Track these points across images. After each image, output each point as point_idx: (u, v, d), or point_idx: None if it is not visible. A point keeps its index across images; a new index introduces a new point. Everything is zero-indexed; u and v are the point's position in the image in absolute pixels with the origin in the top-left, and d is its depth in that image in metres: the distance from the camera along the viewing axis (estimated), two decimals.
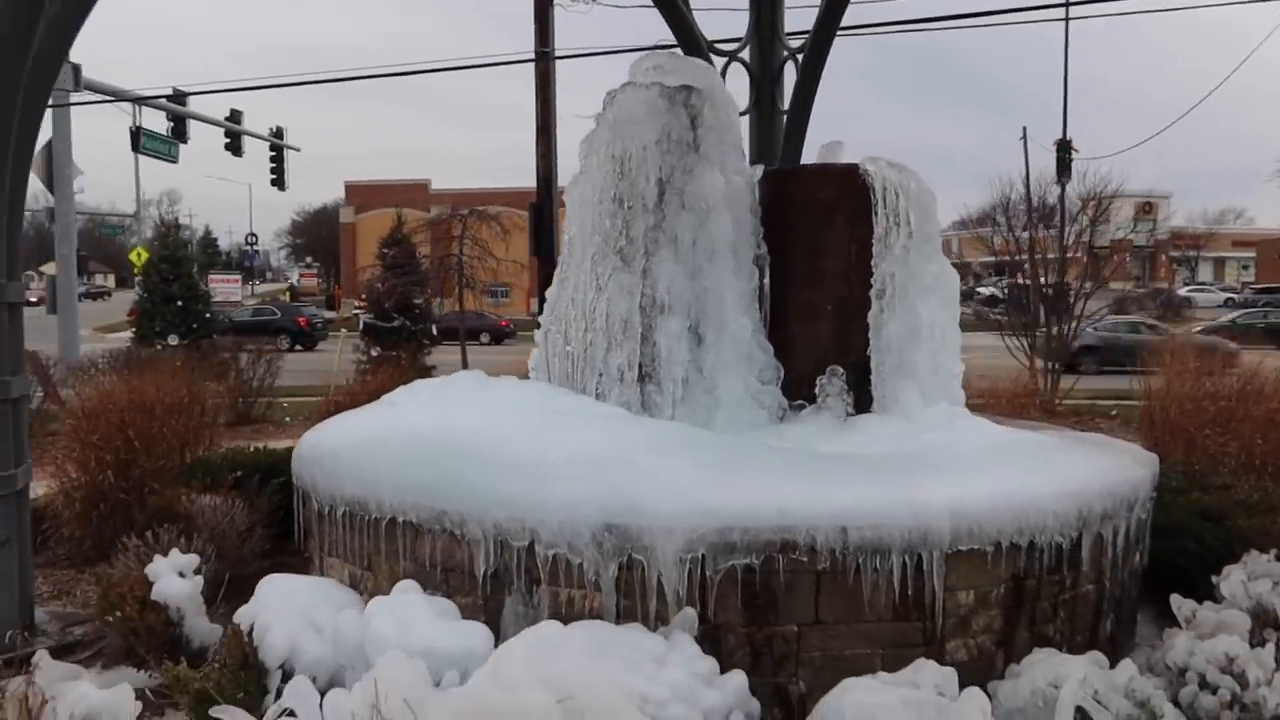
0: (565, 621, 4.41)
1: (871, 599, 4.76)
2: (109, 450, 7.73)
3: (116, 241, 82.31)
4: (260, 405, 15.73)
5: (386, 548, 5.41)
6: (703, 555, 4.67)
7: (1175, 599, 5.39)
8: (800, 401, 6.53)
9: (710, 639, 4.63)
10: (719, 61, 11.02)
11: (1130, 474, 5.74)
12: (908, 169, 6.64)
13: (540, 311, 7.04)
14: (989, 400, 12.55)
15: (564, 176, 6.97)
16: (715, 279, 6.45)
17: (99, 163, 50.61)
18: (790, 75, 11.03)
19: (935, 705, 3.98)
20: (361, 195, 64.88)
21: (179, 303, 26.28)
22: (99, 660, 5.76)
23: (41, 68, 5.83)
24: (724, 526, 4.67)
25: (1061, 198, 26.21)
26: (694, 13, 11.22)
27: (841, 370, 6.46)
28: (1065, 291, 18.82)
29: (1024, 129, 28.86)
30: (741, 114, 9.96)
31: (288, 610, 4.89)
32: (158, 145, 27.01)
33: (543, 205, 16.83)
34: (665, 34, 11.38)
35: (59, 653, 5.56)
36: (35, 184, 22.34)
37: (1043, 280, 19.08)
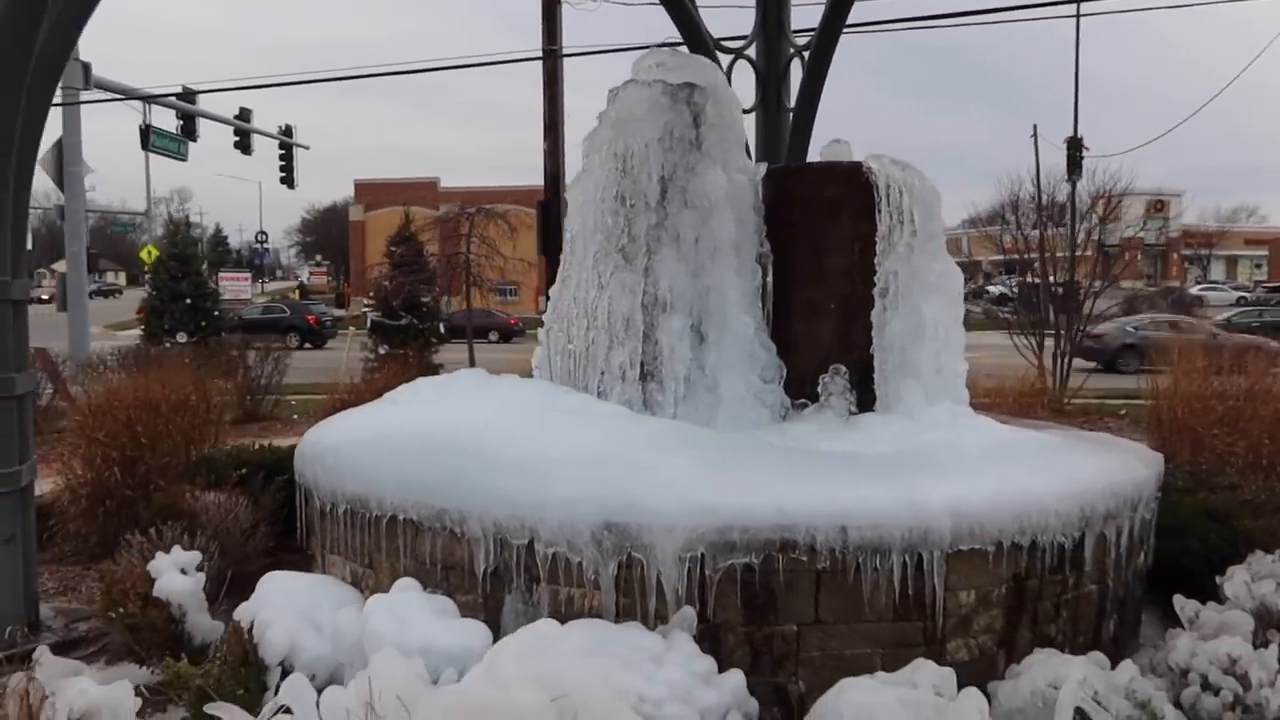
0: (565, 620, 4.40)
1: (872, 598, 4.75)
2: (115, 447, 7.77)
3: (127, 239, 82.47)
4: (268, 403, 15.82)
5: (387, 545, 5.42)
6: (702, 554, 4.66)
7: (1178, 599, 5.36)
8: (803, 400, 6.51)
9: (709, 638, 4.62)
10: (725, 59, 10.98)
11: (1134, 474, 5.71)
12: (911, 166, 6.62)
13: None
14: (996, 399, 12.46)
15: (571, 174, 6.97)
16: (718, 277, 6.43)
17: (110, 160, 51.06)
18: (797, 72, 11.00)
19: (933, 705, 3.97)
20: (371, 193, 65.01)
21: (188, 300, 26.34)
22: (102, 656, 5.77)
23: (45, 68, 5.84)
24: (723, 525, 4.66)
25: (1072, 195, 26.07)
26: (700, 10, 11.19)
27: (844, 369, 6.44)
28: (1075, 290, 18.74)
29: (1034, 127, 28.64)
30: (747, 111, 9.97)
31: (288, 607, 4.90)
32: (167, 143, 27.16)
33: (550, 203, 16.79)
34: (672, 31, 11.35)
35: (62, 649, 5.59)
36: (47, 182, 22.49)
37: (1052, 279, 19.01)
